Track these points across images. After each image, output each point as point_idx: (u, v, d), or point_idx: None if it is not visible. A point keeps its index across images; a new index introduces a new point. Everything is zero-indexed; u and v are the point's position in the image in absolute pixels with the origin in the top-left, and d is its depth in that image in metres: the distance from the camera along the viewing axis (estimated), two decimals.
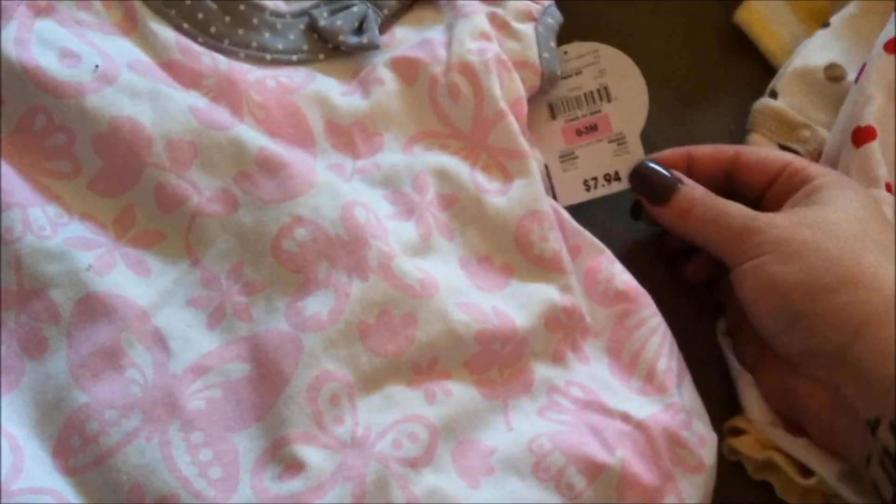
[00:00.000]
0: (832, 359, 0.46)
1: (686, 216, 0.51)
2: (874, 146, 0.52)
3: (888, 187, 0.52)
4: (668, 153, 0.54)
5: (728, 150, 0.53)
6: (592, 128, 0.56)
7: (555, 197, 0.55)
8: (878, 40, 0.55)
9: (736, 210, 0.50)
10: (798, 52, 0.58)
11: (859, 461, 0.47)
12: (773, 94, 0.58)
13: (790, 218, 0.49)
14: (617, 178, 0.55)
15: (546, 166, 0.55)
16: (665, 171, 0.52)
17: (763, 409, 0.50)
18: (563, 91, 0.56)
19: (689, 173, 0.53)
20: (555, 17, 0.56)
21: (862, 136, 0.53)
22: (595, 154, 0.56)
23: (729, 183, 0.53)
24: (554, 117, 0.56)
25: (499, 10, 0.55)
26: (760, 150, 0.53)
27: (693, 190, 0.51)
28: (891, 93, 0.53)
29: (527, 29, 0.55)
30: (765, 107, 0.57)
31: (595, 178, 0.56)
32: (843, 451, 0.48)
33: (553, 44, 0.56)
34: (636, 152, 0.55)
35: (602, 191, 0.55)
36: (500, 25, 0.55)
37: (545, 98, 0.56)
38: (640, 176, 0.53)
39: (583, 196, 0.56)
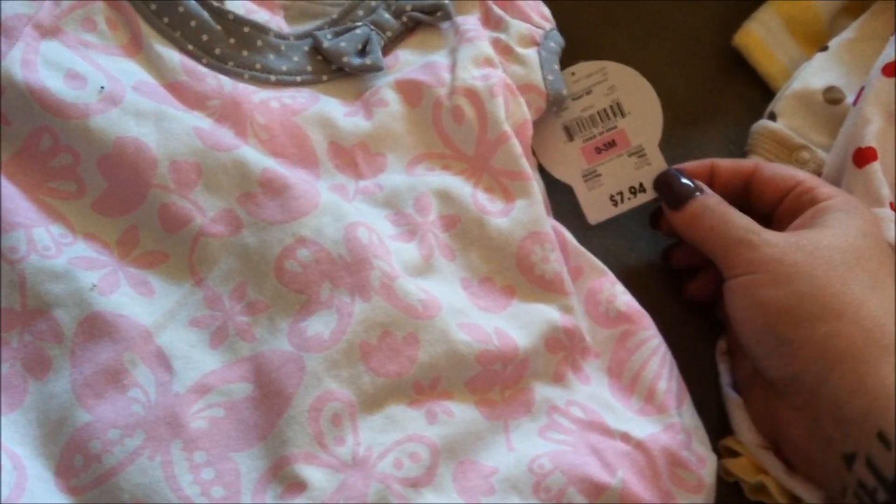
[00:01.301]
0: (810, 388, 0.46)
1: (695, 221, 0.51)
2: (876, 167, 0.53)
3: (892, 207, 0.52)
4: (692, 164, 0.55)
5: (748, 164, 0.54)
6: (611, 144, 0.56)
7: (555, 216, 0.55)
8: (877, 64, 0.55)
9: (740, 221, 0.50)
10: (796, 75, 0.59)
11: (835, 493, 0.47)
12: (772, 117, 0.58)
13: (787, 238, 0.49)
14: (642, 189, 0.56)
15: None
16: (687, 180, 0.53)
17: (753, 432, 0.50)
18: (576, 112, 0.57)
19: (711, 185, 0.53)
20: (557, 41, 0.57)
21: (863, 157, 0.53)
22: (617, 169, 0.56)
23: (747, 198, 0.53)
24: (571, 139, 0.57)
25: (502, 36, 0.56)
26: (777, 167, 0.54)
27: (709, 198, 0.52)
28: (889, 115, 0.54)
29: (530, 53, 0.56)
30: (763, 129, 0.58)
31: (621, 193, 0.56)
32: (820, 481, 0.48)
33: (556, 66, 0.56)
34: (657, 162, 0.56)
35: (629, 204, 0.56)
36: (504, 50, 0.56)
37: (560, 121, 0.57)
38: (663, 181, 0.54)
39: (612, 211, 0.56)
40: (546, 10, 0.58)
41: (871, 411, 0.44)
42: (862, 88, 0.56)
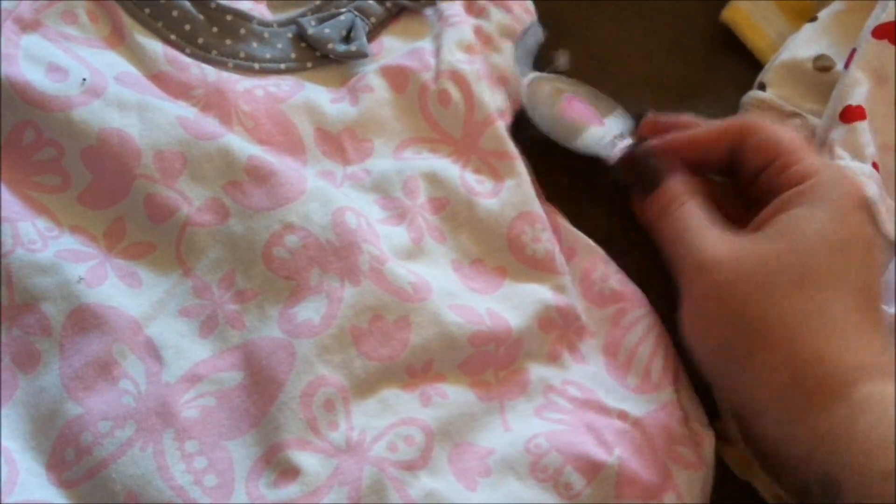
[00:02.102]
0: (748, 426, 0.47)
1: (656, 213, 0.50)
2: (863, 125, 0.52)
3: (875, 167, 0.52)
4: (669, 138, 0.52)
5: (735, 127, 0.50)
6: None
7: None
8: (867, 25, 0.55)
9: (692, 232, 0.48)
10: (785, 45, 0.58)
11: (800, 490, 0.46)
12: (762, 87, 0.58)
13: (734, 254, 0.46)
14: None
15: None
16: (657, 163, 0.51)
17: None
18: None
19: (693, 156, 0.51)
20: (536, 36, 0.57)
21: (851, 114, 0.53)
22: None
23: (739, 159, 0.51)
24: None
25: (484, 24, 0.56)
26: (769, 133, 0.49)
27: (674, 187, 0.50)
28: (877, 77, 0.54)
29: (509, 46, 0.56)
30: (754, 99, 0.57)
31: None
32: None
33: (531, 61, 0.56)
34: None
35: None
36: (486, 39, 0.56)
37: None
38: (633, 161, 0.52)
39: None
40: (529, 4, 0.57)
41: (810, 457, 0.42)
42: (853, 51, 0.55)
